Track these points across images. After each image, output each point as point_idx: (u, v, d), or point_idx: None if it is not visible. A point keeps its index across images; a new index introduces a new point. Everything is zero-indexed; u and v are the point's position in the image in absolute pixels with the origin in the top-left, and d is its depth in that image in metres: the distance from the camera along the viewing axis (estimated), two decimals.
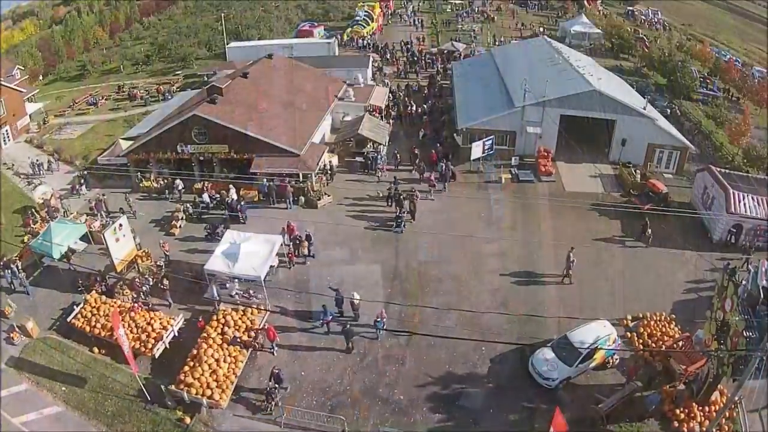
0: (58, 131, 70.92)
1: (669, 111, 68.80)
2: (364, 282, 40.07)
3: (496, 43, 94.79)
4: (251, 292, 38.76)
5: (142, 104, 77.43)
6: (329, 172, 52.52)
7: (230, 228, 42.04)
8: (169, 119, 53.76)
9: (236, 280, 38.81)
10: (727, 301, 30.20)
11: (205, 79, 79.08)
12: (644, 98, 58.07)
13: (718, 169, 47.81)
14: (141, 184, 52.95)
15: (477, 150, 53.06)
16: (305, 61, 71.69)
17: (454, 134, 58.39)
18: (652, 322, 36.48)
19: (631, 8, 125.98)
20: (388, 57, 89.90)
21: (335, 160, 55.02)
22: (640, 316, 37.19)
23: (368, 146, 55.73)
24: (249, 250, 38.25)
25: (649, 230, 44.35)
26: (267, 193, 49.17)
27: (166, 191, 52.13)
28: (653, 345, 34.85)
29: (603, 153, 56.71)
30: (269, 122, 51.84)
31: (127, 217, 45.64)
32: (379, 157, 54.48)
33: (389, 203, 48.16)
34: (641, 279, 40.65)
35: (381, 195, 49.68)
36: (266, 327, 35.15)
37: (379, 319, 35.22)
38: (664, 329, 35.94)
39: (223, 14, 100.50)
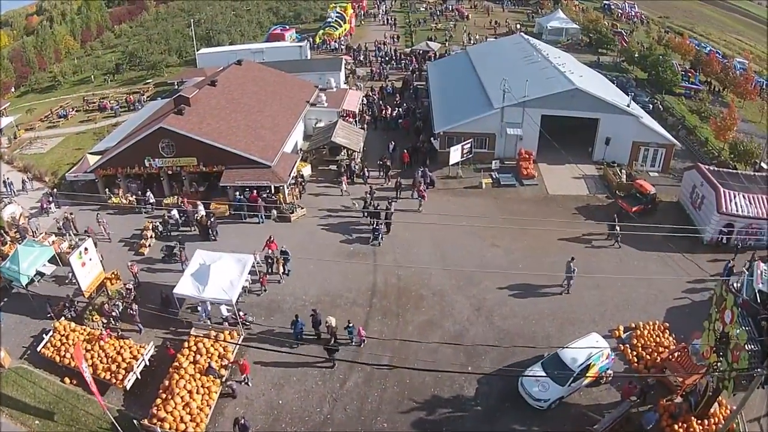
0: (29, 146, 67.96)
1: (651, 106, 67.25)
2: (341, 300, 38.00)
3: (472, 42, 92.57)
4: (242, 314, 36.14)
5: (113, 115, 74.52)
6: (302, 182, 50.12)
7: (199, 248, 39.27)
8: (136, 132, 51.24)
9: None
10: (726, 313, 28.23)
11: (176, 86, 76.40)
12: (627, 95, 55.99)
13: (707, 167, 46.02)
14: (110, 201, 50.37)
15: (455, 155, 50.81)
16: (277, 66, 69.25)
17: (431, 138, 56.06)
18: (646, 332, 34.78)
19: (607, 2, 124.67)
20: (362, 59, 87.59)
21: (308, 170, 52.71)
22: (633, 326, 35.41)
23: (342, 153, 53.28)
24: (219, 272, 35.75)
25: (618, 227, 42.68)
26: (238, 207, 46.65)
27: (138, 206, 49.67)
28: (648, 357, 33.15)
29: (586, 153, 54.85)
30: (239, 132, 49.35)
31: (101, 238, 44.52)
32: (353, 164, 52.22)
33: (364, 214, 45.92)
34: (632, 285, 38.64)
35: (356, 206, 47.40)
36: (240, 362, 32.85)
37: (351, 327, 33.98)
38: (658, 339, 34.24)
39: (193, 20, 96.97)
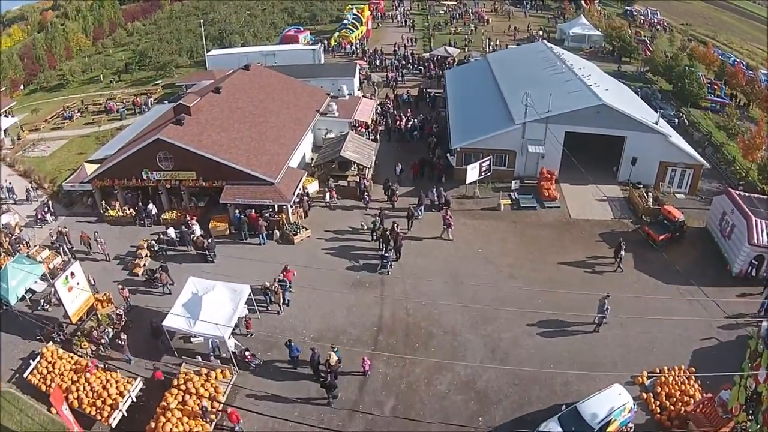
0: (32, 148, 65.54)
1: (677, 120, 63.25)
2: (345, 337, 34.65)
3: (491, 48, 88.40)
4: (248, 353, 33.01)
5: (118, 118, 71.68)
6: (308, 200, 46.70)
7: (193, 275, 36.05)
8: (133, 142, 48.17)
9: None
10: (761, 371, 24.80)
11: (184, 90, 73.40)
12: (653, 108, 52.15)
13: (739, 193, 42.24)
14: (106, 214, 47.54)
15: (473, 173, 46.96)
16: (288, 70, 65.94)
17: (447, 154, 52.14)
18: (670, 379, 31.42)
19: (629, 8, 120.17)
20: (378, 63, 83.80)
21: (315, 186, 49.37)
22: (657, 371, 31.95)
23: (352, 168, 49.90)
24: (212, 304, 32.76)
25: (623, 252, 39.52)
26: (238, 226, 43.49)
27: (136, 219, 46.89)
28: (671, 408, 29.96)
29: (611, 173, 50.92)
30: (242, 145, 45.99)
31: (97, 256, 42.57)
32: (363, 181, 48.64)
33: (373, 238, 42.61)
34: (657, 323, 35.02)
35: (364, 227, 44.12)
36: (228, 410, 29.68)
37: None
38: (683, 387, 31.05)
39: (202, 20, 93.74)
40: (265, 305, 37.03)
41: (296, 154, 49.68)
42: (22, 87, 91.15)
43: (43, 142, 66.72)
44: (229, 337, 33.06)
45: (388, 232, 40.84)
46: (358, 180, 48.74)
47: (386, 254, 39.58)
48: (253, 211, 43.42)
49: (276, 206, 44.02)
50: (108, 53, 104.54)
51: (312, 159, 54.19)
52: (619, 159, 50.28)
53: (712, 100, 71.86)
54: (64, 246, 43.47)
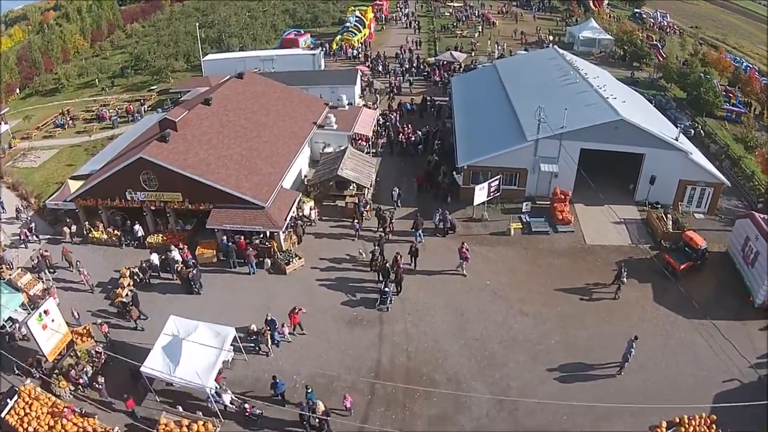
0: (22, 158, 62.14)
1: (693, 131, 59.46)
2: (339, 383, 31.09)
3: (497, 54, 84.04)
4: (248, 407, 29.46)
5: (110, 126, 68.11)
6: (302, 224, 42.99)
7: (173, 315, 32.32)
8: (119, 158, 44.66)
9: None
10: None
11: (179, 96, 69.87)
12: (668, 118, 48.24)
13: (764, 217, 38.37)
14: (90, 235, 44.16)
15: (481, 194, 43.13)
16: (286, 77, 62.51)
17: (453, 172, 48.28)
18: (691, 429, 28.08)
19: (638, 10, 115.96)
20: (380, 69, 79.54)
21: (311, 208, 45.34)
22: (677, 420, 28.54)
23: (351, 187, 46.23)
24: (194, 349, 29.36)
25: (624, 278, 36.36)
26: (227, 253, 39.97)
27: (121, 240, 43.61)
28: None
29: (627, 191, 47.26)
30: (231, 164, 42.27)
31: (81, 288, 39.05)
32: (362, 202, 44.80)
33: (372, 268, 38.94)
34: (676, 362, 31.94)
35: (362, 255, 40.43)
36: None
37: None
38: None
39: (198, 23, 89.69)
40: (254, 345, 33.47)
41: (291, 171, 46.06)
42: (18, 91, 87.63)
43: (34, 152, 63.26)
44: (225, 390, 29.83)
45: (388, 265, 37.13)
46: (357, 201, 44.96)
47: (386, 289, 35.80)
48: (243, 237, 39.86)
49: (267, 232, 40.40)
50: (105, 56, 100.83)
51: (307, 176, 50.61)
52: (637, 177, 46.49)
53: (727, 109, 67.88)
54: (45, 270, 40.32)
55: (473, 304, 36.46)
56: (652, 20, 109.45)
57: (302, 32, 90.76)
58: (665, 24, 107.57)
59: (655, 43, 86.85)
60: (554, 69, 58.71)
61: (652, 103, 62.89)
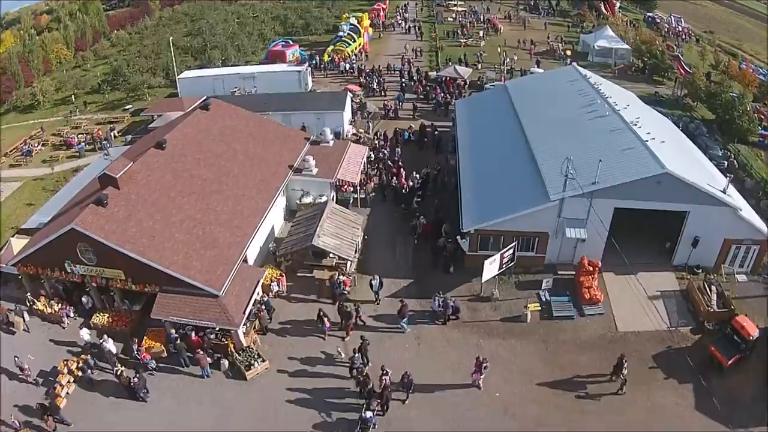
0: None
1: (726, 162, 50.54)
2: None
3: (506, 64, 74.76)
4: None
5: (77, 155, 59.58)
6: (267, 309, 34.26)
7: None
8: (58, 219, 35.92)
9: None
10: None
11: (152, 119, 61.18)
12: (726, 177, 38.99)
13: None
14: (34, 307, 36.03)
15: (492, 268, 34.16)
16: (265, 102, 54.81)
17: (458, 236, 38.89)
18: None
19: (651, 15, 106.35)
20: (375, 87, 69.68)
21: (282, 283, 36.68)
22: None
23: (331, 256, 37.19)
24: None
25: (626, 370, 29.40)
26: (177, 350, 31.42)
27: (65, 315, 35.55)
28: None
29: (662, 251, 38.67)
30: (181, 233, 33.63)
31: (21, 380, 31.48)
32: (339, 281, 35.56)
33: (352, 375, 30.35)
34: None
35: (341, 355, 31.87)
36: None
37: None
38: None
39: (178, 35, 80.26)
40: None
41: (256, 239, 37.18)
42: None
43: None
44: None
45: (372, 385, 28.51)
46: (330, 279, 35.81)
47: (366, 414, 27.08)
48: (194, 332, 31.29)
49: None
50: (87, 68, 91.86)
51: (281, 235, 41.74)
52: (677, 237, 37.67)
53: (761, 134, 58.66)
54: None
55: (478, 426, 28.10)
56: (667, 25, 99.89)
57: (290, 43, 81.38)
58: (680, 29, 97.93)
59: (675, 54, 77.32)
60: (577, 95, 48.87)
61: (679, 127, 53.95)
